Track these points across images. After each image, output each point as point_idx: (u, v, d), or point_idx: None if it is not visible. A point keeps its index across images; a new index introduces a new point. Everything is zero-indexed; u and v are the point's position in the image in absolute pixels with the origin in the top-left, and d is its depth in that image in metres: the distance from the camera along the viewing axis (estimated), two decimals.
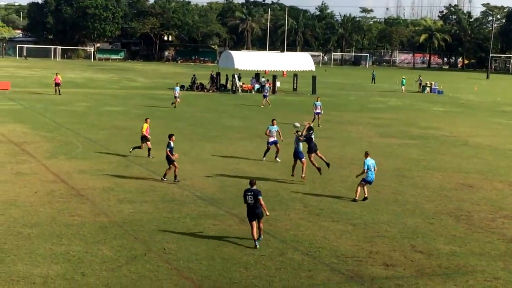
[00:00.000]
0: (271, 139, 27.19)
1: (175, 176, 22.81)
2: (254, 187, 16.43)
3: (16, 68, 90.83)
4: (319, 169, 23.67)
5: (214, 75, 67.19)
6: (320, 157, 24.30)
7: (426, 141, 35.26)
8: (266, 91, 52.23)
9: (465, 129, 41.52)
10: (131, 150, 27.51)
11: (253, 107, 50.27)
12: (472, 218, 19.77)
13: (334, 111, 48.03)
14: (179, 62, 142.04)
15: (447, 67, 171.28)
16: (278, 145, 27.16)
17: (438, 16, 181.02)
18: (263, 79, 64.99)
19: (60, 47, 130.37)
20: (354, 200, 21.00)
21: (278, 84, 66.90)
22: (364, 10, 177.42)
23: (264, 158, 27.32)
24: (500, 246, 17.13)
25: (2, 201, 19.49)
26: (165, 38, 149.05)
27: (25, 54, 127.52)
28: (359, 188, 21.18)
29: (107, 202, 19.88)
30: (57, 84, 53.63)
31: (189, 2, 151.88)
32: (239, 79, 65.02)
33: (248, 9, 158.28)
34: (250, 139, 33.91)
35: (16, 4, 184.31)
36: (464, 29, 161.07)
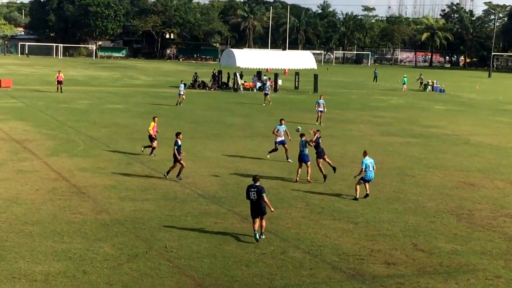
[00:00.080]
0: (279, 139, 27.09)
1: (179, 172, 22.82)
2: (258, 184, 16.48)
3: (18, 66, 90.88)
4: (325, 176, 23.53)
5: (216, 73, 67.16)
6: (328, 162, 24.14)
7: (427, 140, 35.25)
8: (267, 89, 52.21)
9: (466, 128, 41.50)
10: (142, 149, 27.36)
11: (254, 105, 50.26)
12: (474, 216, 19.77)
13: (336, 109, 48.00)
14: (181, 60, 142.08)
15: (449, 65, 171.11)
16: (286, 145, 27.05)
17: (440, 14, 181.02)
18: (264, 77, 64.96)
19: (62, 45, 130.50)
20: (355, 198, 21.01)
21: (279, 82, 66.85)
22: (366, 8, 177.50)
23: (268, 156, 27.28)
24: (501, 244, 17.12)
25: (4, 198, 19.51)
26: (167, 36, 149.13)
27: (27, 52, 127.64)
28: (358, 187, 21.20)
29: (108, 200, 19.90)
30: (59, 82, 53.66)
31: (191, 0, 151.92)
32: (241, 77, 64.99)
33: (250, 7, 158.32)
34: (251, 137, 33.91)
35: (18, 1, 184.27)
36: (466, 28, 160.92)
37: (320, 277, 14.30)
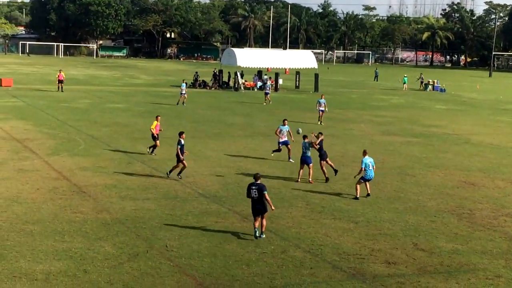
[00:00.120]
0: (282, 139, 27.07)
1: (180, 171, 22.83)
2: (259, 182, 16.56)
3: (18, 65, 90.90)
4: (327, 179, 23.53)
5: (217, 73, 67.18)
6: (330, 165, 24.12)
7: (428, 139, 35.25)
8: (267, 88, 52.19)
9: (467, 127, 41.49)
10: (148, 151, 27.21)
11: (255, 104, 50.26)
12: (474, 216, 19.77)
13: (337, 108, 47.99)
14: (181, 59, 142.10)
15: (449, 65, 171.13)
16: (289, 145, 27.01)
17: (441, 14, 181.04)
18: (265, 77, 64.98)
19: (62, 44, 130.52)
20: (356, 198, 21.01)
21: (280, 81, 66.89)
22: (367, 7, 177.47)
23: (272, 154, 27.25)
24: (502, 244, 17.13)
25: (5, 197, 19.52)
26: (168, 35, 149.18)
27: (27, 51, 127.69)
28: (358, 186, 21.21)
29: (109, 199, 19.90)
30: (60, 81, 53.68)
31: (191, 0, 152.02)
32: (242, 76, 64.99)
33: (251, 6, 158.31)
34: (252, 136, 33.92)
35: (19, 1, 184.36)
36: (467, 27, 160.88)
37: (321, 277, 14.30)
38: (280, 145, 27.10)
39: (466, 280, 14.47)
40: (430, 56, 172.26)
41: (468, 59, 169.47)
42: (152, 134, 27.14)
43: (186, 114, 42.15)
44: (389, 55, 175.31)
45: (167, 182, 22.41)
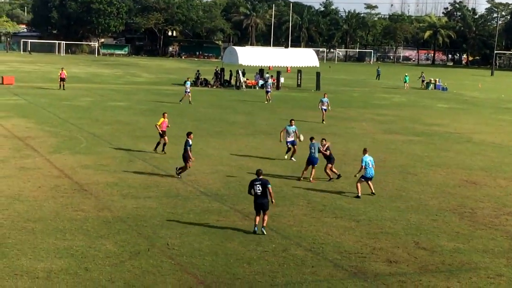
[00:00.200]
0: (290, 139, 27.01)
1: (181, 170, 22.82)
2: (261, 177, 16.83)
3: (20, 63, 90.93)
4: (330, 179, 23.51)
5: (218, 71, 67.15)
6: (334, 172, 24.03)
7: (430, 138, 35.22)
8: (268, 86, 52.14)
9: (469, 126, 41.46)
10: (162, 151, 27.13)
11: (257, 103, 50.24)
12: (476, 215, 19.76)
13: (338, 107, 47.94)
14: (183, 57, 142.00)
15: (451, 63, 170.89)
16: (295, 146, 27.00)
17: (443, 12, 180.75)
18: (267, 75, 64.91)
19: (64, 42, 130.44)
20: (358, 196, 21.00)
21: (282, 80, 66.85)
22: (369, 6, 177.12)
23: (286, 156, 27.12)
24: (503, 243, 17.11)
25: (6, 195, 19.54)
26: (169, 33, 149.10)
27: (29, 49, 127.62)
28: (359, 185, 21.21)
29: (110, 197, 19.91)
30: (62, 79, 53.69)
31: None
32: (243, 74, 64.96)
33: (253, 4, 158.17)
34: (254, 135, 33.91)
35: None
36: (469, 26, 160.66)
37: (322, 275, 14.30)
38: (289, 144, 27.02)
39: (467, 279, 14.46)
40: (432, 54, 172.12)
41: (470, 58, 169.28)
42: (159, 131, 27.15)
43: (187, 112, 42.14)
44: (390, 54, 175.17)
45: (168, 180, 22.42)
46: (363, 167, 21.04)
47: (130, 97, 50.52)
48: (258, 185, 16.70)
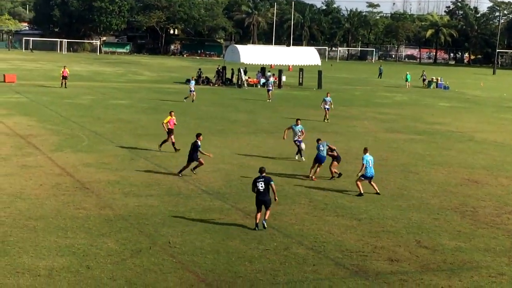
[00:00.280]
0: (296, 138, 26.97)
1: (181, 170, 22.84)
2: (264, 175, 17.05)
3: (22, 61, 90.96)
4: (332, 177, 23.53)
5: (220, 69, 67.15)
6: (336, 171, 24.07)
7: (432, 137, 35.20)
8: (270, 85, 52.11)
9: (471, 125, 41.42)
10: (175, 149, 27.07)
11: (258, 101, 50.24)
12: (477, 213, 19.75)
13: (340, 105, 47.90)
14: (185, 56, 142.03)
15: (453, 62, 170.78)
16: (302, 144, 26.97)
17: (445, 11, 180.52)
18: (268, 73, 64.89)
19: (66, 40, 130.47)
20: (360, 194, 21.00)
21: (284, 78, 66.82)
22: (371, 4, 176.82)
23: (296, 157, 26.98)
24: (505, 242, 17.10)
25: (8, 193, 19.55)
26: (171, 31, 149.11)
27: (31, 47, 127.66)
28: (359, 183, 21.20)
29: (112, 195, 19.92)
30: (64, 77, 53.74)
31: None
32: (245, 73, 64.95)
33: (254, 3, 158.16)
34: (255, 133, 33.90)
35: None
36: (471, 25, 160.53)
37: (323, 274, 14.30)
38: (297, 142, 26.95)
39: (469, 277, 14.45)
40: (434, 53, 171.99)
41: (472, 57, 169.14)
42: (169, 129, 27.13)
43: (189, 110, 42.15)
44: (392, 52, 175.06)
45: (170, 178, 22.43)
46: (364, 165, 21.05)
47: (131, 95, 50.53)
48: (260, 182, 16.86)
